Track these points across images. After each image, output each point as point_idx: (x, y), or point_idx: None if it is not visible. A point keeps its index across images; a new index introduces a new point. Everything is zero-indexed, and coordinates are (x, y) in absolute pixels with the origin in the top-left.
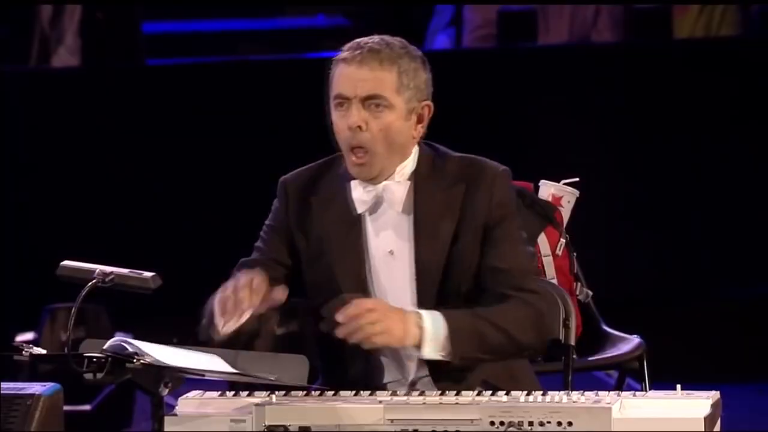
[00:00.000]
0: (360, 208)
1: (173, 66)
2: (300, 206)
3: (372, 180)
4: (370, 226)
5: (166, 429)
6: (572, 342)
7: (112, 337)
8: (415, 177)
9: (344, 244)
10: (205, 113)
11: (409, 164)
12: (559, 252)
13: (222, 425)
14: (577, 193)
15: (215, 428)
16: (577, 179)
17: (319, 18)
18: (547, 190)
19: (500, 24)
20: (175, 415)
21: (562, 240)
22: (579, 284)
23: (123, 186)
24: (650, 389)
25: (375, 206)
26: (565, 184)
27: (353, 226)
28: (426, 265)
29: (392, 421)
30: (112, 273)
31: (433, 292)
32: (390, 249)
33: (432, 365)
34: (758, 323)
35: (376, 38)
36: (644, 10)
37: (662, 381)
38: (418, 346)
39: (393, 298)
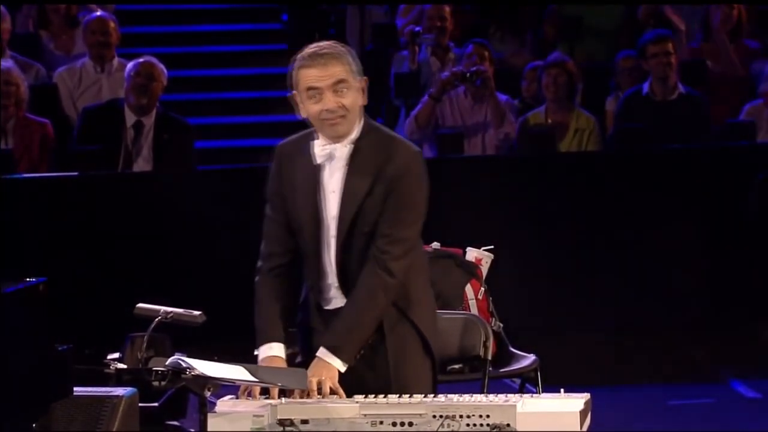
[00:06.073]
0: (318, 160)
1: (217, 170)
2: (288, 164)
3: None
4: (325, 172)
5: (209, 420)
6: (489, 358)
7: (172, 356)
8: (356, 142)
9: (306, 184)
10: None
11: (355, 132)
12: (480, 297)
13: (247, 419)
14: (492, 256)
15: (243, 421)
16: (493, 246)
17: None
18: (472, 254)
19: (438, 141)
20: (215, 411)
21: (482, 288)
22: (494, 318)
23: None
24: (542, 392)
25: (329, 159)
26: (484, 250)
27: (313, 171)
28: (347, 206)
29: (365, 415)
30: (171, 312)
31: (348, 223)
32: (333, 189)
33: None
34: (617, 347)
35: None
36: (535, 132)
37: (550, 386)
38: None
39: (333, 222)
